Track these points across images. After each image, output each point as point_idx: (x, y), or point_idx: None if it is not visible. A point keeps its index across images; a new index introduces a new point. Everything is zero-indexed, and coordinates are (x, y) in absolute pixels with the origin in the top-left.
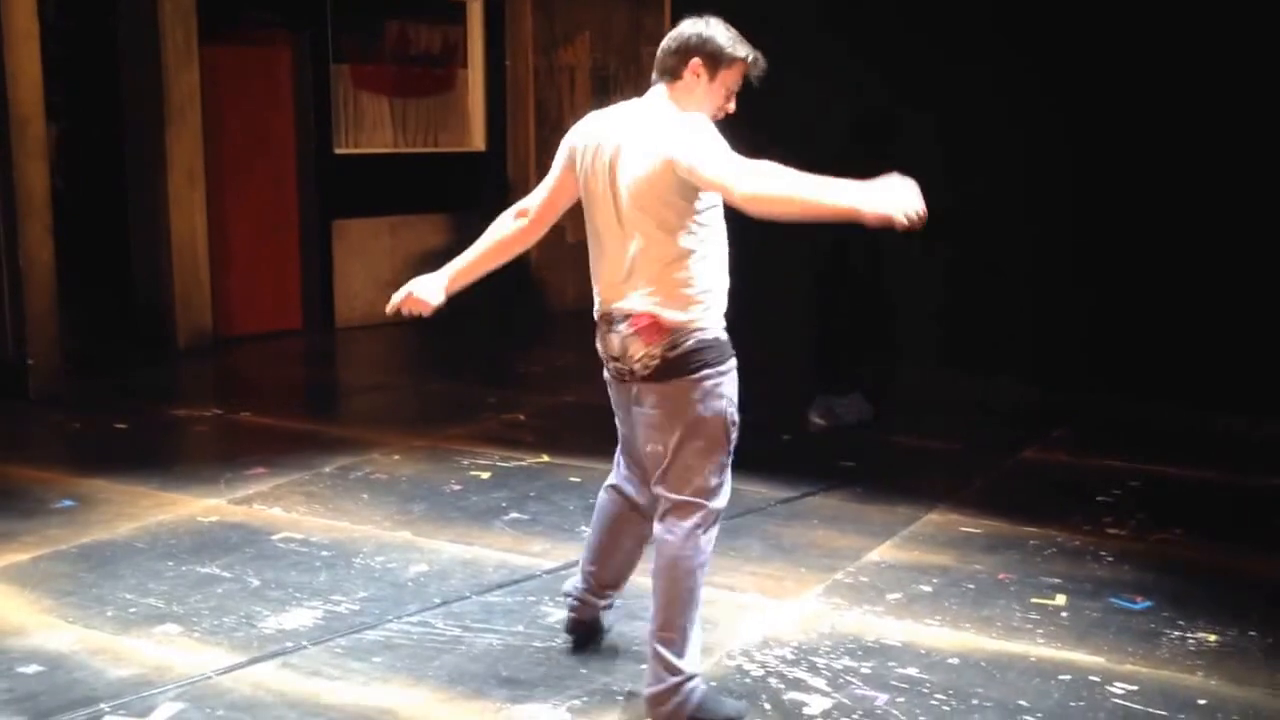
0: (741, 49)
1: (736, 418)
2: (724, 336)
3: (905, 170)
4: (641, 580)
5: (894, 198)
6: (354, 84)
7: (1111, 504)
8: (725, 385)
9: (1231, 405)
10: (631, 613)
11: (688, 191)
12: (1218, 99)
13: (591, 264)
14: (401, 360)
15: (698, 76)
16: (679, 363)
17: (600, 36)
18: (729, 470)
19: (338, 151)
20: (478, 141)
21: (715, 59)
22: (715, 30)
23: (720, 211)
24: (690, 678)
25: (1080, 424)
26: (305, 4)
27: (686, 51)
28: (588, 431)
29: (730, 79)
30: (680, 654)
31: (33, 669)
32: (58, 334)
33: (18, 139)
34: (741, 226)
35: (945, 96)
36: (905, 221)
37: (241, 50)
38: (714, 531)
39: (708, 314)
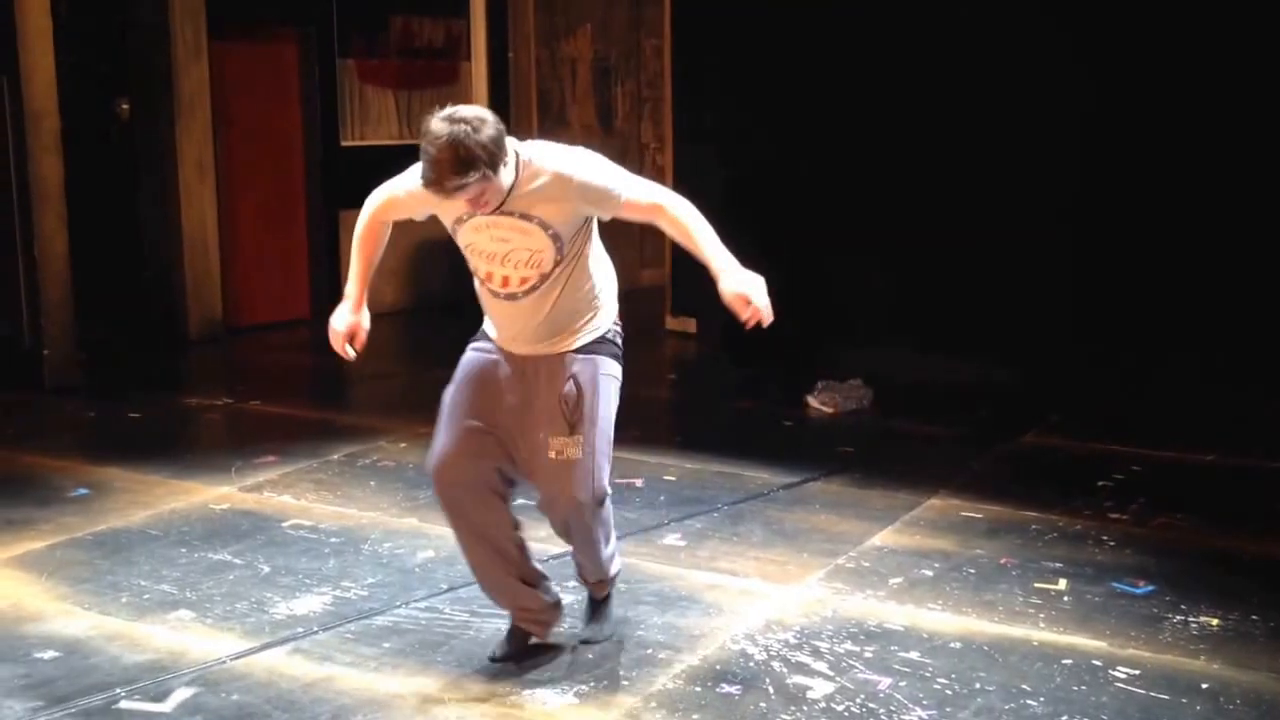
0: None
1: None
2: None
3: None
4: (644, 565)
5: None
6: (359, 78)
7: (1112, 488)
8: None
9: (1234, 385)
10: (636, 597)
11: None
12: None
13: None
14: (406, 349)
15: None
16: None
17: (601, 28)
18: None
19: (344, 144)
20: None
21: None
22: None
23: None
24: None
25: (1079, 407)
26: (312, 1)
27: None
28: None
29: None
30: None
31: (50, 655)
32: (73, 325)
33: (33, 133)
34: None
35: (929, 75)
36: None
37: (249, 46)
38: None
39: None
